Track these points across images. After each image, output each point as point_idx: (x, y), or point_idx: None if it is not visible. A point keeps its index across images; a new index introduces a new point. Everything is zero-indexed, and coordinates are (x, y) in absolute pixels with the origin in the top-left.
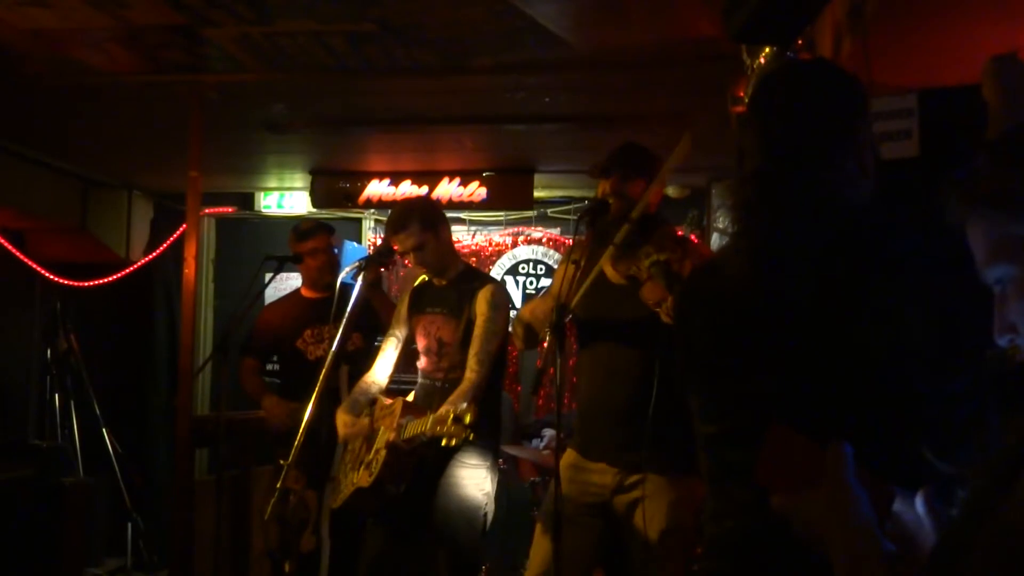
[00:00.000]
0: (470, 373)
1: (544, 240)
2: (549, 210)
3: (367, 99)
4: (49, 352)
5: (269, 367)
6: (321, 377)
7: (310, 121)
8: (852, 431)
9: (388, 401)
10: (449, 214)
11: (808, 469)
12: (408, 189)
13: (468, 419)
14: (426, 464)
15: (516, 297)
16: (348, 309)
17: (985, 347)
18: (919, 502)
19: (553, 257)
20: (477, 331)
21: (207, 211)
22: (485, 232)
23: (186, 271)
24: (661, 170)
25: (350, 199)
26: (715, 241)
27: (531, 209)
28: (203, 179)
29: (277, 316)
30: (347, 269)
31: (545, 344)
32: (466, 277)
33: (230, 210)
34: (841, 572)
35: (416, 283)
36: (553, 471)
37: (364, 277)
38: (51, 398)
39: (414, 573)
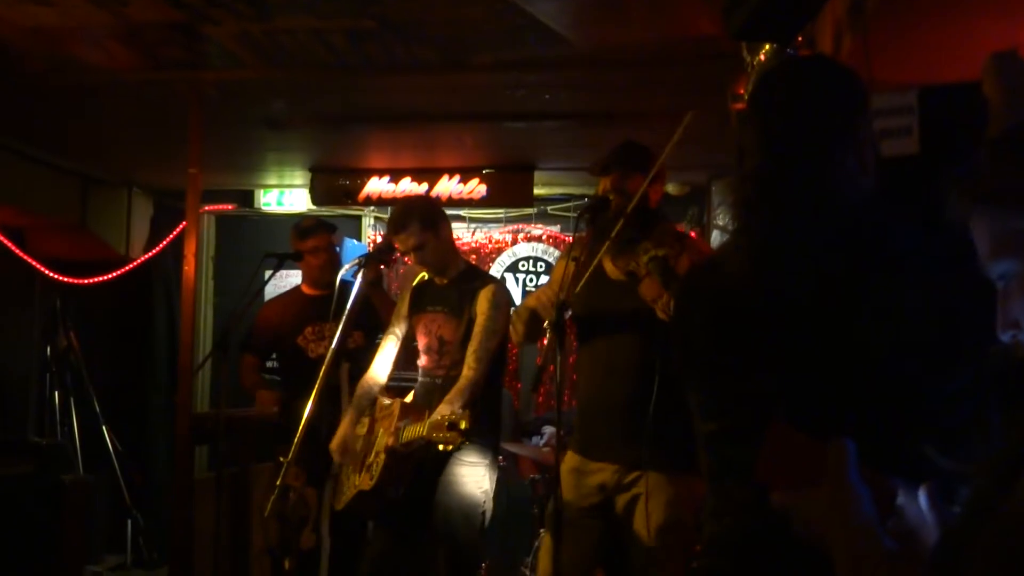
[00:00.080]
0: (468, 371)
1: (544, 237)
2: (549, 207)
3: (367, 96)
4: (49, 349)
5: (269, 364)
6: (321, 374)
7: (310, 118)
8: (853, 428)
9: (387, 401)
10: (449, 211)
11: (809, 467)
12: (408, 186)
13: (463, 425)
14: (425, 465)
15: (516, 294)
16: (348, 306)
17: (986, 344)
18: (923, 497)
19: (553, 254)
20: (477, 329)
21: (207, 208)
22: (485, 229)
23: (186, 268)
24: (665, 149)
25: (350, 196)
26: (715, 238)
27: (531, 206)
28: (203, 176)
29: (277, 313)
30: (347, 266)
31: (545, 341)
32: (467, 276)
33: (230, 207)
34: (842, 571)
35: (416, 281)
36: (553, 469)
37: (364, 275)
38: (51, 395)
39: (414, 571)
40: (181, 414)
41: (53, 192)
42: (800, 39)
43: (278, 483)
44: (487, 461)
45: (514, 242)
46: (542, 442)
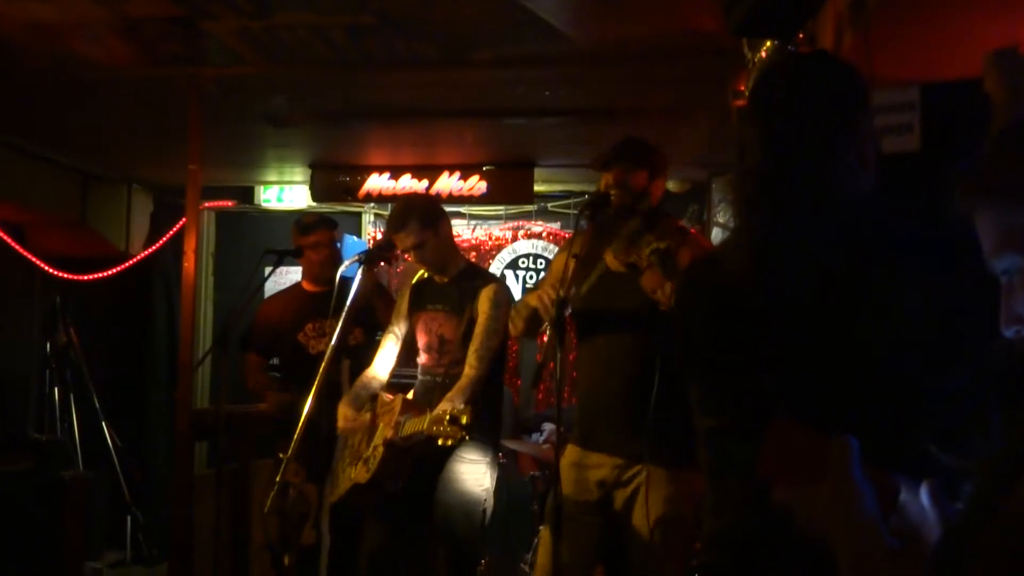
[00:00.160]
0: (469, 369)
1: (544, 234)
2: (549, 204)
3: (367, 92)
4: (49, 346)
5: (272, 362)
6: (321, 370)
7: (310, 114)
8: (853, 425)
9: (389, 397)
10: (449, 208)
11: (812, 463)
12: (408, 183)
13: (464, 420)
14: (425, 460)
15: (516, 291)
16: (348, 303)
17: (987, 342)
18: (924, 493)
19: (553, 251)
20: (478, 328)
21: (207, 205)
22: (485, 226)
23: (186, 265)
24: None
25: (350, 193)
26: (715, 236)
27: (531, 203)
28: (203, 173)
29: (277, 310)
30: (348, 262)
31: (545, 338)
32: (468, 275)
33: (230, 204)
34: (845, 567)
35: (415, 279)
36: (553, 466)
37: (364, 280)
38: (51, 392)
39: (414, 568)
40: (181, 410)
41: (53, 188)
42: (801, 35)
43: (278, 479)
44: (488, 458)
45: (514, 239)
46: (542, 439)
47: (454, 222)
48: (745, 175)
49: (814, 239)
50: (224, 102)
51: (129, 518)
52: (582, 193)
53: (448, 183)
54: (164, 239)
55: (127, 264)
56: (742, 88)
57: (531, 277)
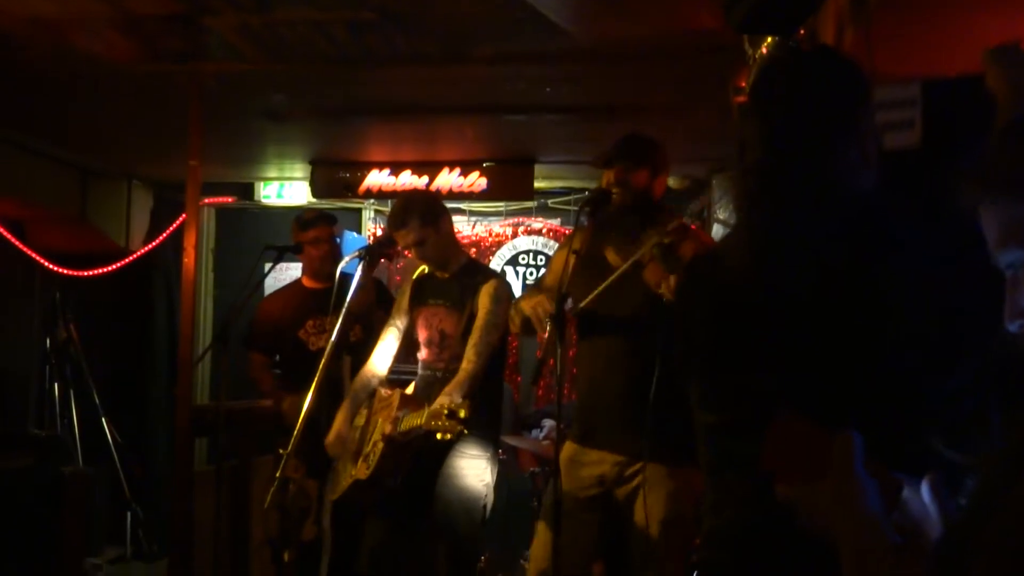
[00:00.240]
0: (467, 363)
1: (544, 231)
2: (549, 201)
3: (367, 89)
4: (48, 342)
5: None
6: (321, 366)
7: (310, 111)
8: (855, 422)
9: (387, 392)
10: (449, 204)
11: (815, 459)
12: (408, 179)
13: (463, 414)
14: (425, 456)
15: (516, 288)
16: (347, 298)
17: (989, 337)
18: (925, 490)
19: (553, 248)
20: (477, 323)
21: (207, 201)
22: (485, 222)
23: (186, 261)
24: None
25: (350, 189)
26: (716, 232)
27: (531, 200)
28: (203, 169)
29: (278, 307)
30: (348, 258)
31: (545, 334)
32: (469, 271)
33: (230, 200)
34: (848, 564)
35: (416, 274)
36: (553, 462)
37: (364, 279)
38: (51, 388)
39: (414, 564)
40: (181, 406)
41: (53, 184)
42: (802, 32)
43: (278, 475)
44: (488, 454)
45: (514, 235)
46: (542, 435)
47: (454, 218)
48: (746, 171)
49: (815, 235)
50: (224, 98)
51: (129, 514)
52: (582, 189)
53: (448, 179)
54: (164, 235)
55: (127, 260)
56: (743, 84)
57: (531, 273)
